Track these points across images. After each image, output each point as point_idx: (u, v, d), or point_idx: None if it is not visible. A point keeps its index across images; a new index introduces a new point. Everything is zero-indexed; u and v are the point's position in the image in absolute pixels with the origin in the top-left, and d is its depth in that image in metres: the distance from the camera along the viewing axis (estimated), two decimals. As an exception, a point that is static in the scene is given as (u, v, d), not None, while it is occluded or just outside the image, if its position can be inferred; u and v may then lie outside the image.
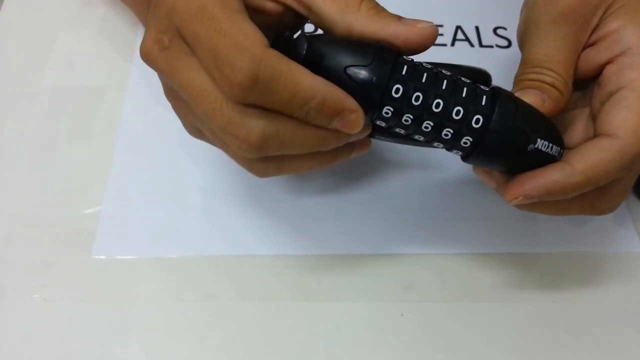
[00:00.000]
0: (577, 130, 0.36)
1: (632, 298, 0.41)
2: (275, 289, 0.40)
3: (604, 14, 0.34)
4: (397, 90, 0.29)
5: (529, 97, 0.32)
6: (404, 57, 0.30)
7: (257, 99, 0.28)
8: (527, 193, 0.32)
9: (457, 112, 0.30)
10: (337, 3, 0.30)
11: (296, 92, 0.28)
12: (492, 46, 0.53)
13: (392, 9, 0.57)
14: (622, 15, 0.33)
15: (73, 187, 0.44)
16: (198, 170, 0.45)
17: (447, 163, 0.46)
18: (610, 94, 0.33)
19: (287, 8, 0.32)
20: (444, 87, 0.30)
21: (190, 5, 0.28)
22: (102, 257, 0.41)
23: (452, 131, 0.30)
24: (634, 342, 0.40)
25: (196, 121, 0.32)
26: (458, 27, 0.54)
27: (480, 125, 0.30)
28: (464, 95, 0.30)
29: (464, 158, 0.32)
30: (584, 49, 0.34)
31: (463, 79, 0.31)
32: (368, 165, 0.46)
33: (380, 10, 0.30)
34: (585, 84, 0.36)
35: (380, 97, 0.29)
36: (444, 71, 0.31)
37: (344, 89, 0.29)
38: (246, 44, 0.27)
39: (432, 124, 0.30)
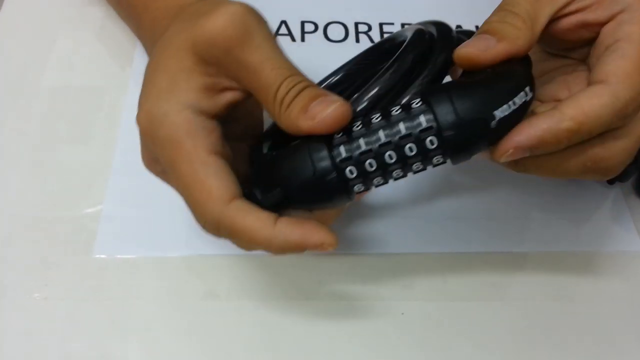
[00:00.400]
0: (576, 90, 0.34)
1: (633, 297, 0.41)
2: (276, 289, 0.40)
3: None
4: (351, 172, 0.30)
5: (468, 49, 0.31)
6: (334, 136, 0.30)
7: (224, 237, 0.31)
8: (516, 144, 0.30)
9: (411, 149, 0.29)
10: (268, 103, 0.31)
11: (254, 244, 0.30)
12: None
13: (392, 9, 0.58)
14: None
15: (73, 187, 0.44)
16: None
17: (449, 162, 0.46)
18: (607, 47, 0.32)
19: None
20: (382, 140, 0.29)
21: (165, 156, 0.31)
22: (102, 256, 0.41)
23: (419, 162, 0.30)
24: (634, 341, 0.40)
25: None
26: (458, 27, 0.54)
27: (436, 144, 0.29)
28: (403, 131, 0.29)
29: (452, 163, 0.31)
30: (577, 11, 0.33)
31: (392, 109, 0.30)
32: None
33: (294, 100, 0.30)
34: (587, 48, 0.35)
35: (343, 183, 0.30)
36: (373, 118, 0.30)
37: (317, 196, 0.30)
38: (208, 204, 0.30)
39: (399, 170, 0.30)
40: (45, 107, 0.48)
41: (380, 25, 0.55)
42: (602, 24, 0.33)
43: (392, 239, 0.43)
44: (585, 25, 0.34)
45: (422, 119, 0.29)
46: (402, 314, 0.40)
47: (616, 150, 0.32)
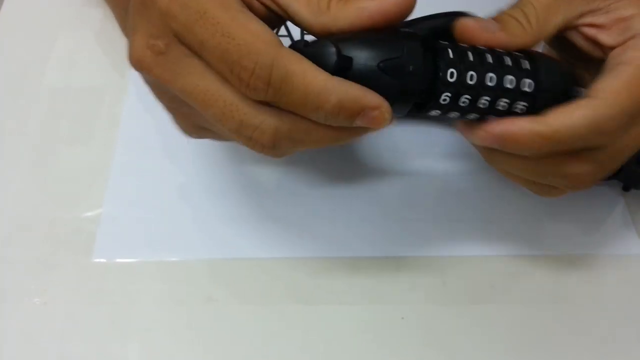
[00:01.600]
0: None
1: (633, 300, 0.41)
2: (275, 292, 0.40)
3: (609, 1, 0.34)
4: (452, 75, 0.29)
5: (473, 22, 0.31)
6: (437, 40, 0.30)
7: (272, 99, 0.27)
8: (493, 132, 0.31)
9: (511, 82, 0.30)
10: (310, 6, 0.29)
11: (309, 95, 0.27)
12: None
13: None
14: (634, 4, 0.33)
15: (73, 189, 0.44)
16: (199, 174, 0.44)
17: (448, 165, 0.46)
18: (608, 69, 0.33)
19: (269, 9, 0.31)
20: (490, 60, 0.30)
21: (188, 10, 0.27)
22: (102, 260, 0.41)
23: (508, 101, 0.30)
24: (635, 344, 0.40)
25: (202, 122, 0.32)
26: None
27: (533, 89, 0.30)
28: (509, 64, 0.30)
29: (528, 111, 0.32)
30: (585, 26, 0.34)
31: (497, 49, 0.31)
32: (368, 168, 0.46)
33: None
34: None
35: (433, 85, 0.29)
36: (477, 46, 0.31)
37: (385, 87, 0.28)
38: (257, 46, 0.27)
39: (488, 99, 0.30)
40: (45, 107, 0.48)
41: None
42: (612, 47, 0.33)
43: (392, 242, 0.43)
44: (596, 44, 0.34)
45: (526, 63, 0.31)
46: (402, 318, 0.40)
47: (588, 166, 0.33)
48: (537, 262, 0.42)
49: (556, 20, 0.33)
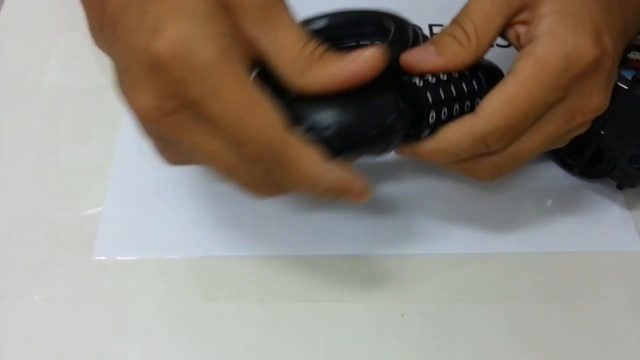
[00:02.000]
0: None
1: (633, 298, 0.41)
2: (276, 290, 0.40)
3: None
4: (432, 117, 0.33)
5: (410, 56, 0.34)
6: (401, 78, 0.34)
7: (271, 174, 0.30)
8: (406, 152, 0.36)
9: (468, 106, 0.35)
10: (291, 65, 0.30)
11: (305, 179, 0.30)
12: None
13: (393, 8, 0.58)
14: (551, 2, 0.34)
15: (74, 188, 0.44)
16: (198, 172, 0.45)
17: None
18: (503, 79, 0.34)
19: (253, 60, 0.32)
20: (453, 91, 0.34)
21: (203, 85, 0.28)
22: (102, 258, 0.41)
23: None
24: (634, 342, 0.40)
25: (191, 161, 0.33)
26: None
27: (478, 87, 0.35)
28: (468, 89, 0.35)
29: None
30: (518, 23, 0.35)
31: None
32: (368, 166, 0.46)
33: (323, 60, 0.30)
34: None
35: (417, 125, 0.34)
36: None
37: (372, 149, 0.33)
38: (268, 132, 0.28)
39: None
40: (45, 107, 0.48)
41: (380, 25, 0.54)
42: (528, 43, 0.34)
43: (392, 240, 0.43)
44: (518, 41, 0.36)
45: (480, 80, 0.36)
46: (402, 315, 0.40)
47: (483, 167, 0.36)
48: (537, 260, 0.43)
49: (495, 24, 0.35)
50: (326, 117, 0.31)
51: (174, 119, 0.29)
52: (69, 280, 0.40)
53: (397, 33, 0.37)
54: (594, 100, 0.35)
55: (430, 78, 0.34)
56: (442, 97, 0.33)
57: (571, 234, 0.44)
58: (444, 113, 0.34)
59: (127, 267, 0.40)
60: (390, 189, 0.45)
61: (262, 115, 0.28)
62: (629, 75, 0.42)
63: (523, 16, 0.35)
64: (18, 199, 0.43)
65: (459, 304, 0.40)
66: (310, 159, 0.29)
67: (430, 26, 0.55)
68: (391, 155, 0.45)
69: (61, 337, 0.38)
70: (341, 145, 0.31)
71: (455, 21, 0.35)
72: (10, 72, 0.50)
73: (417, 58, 0.34)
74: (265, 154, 0.28)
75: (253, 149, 0.28)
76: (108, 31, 0.31)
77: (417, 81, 0.33)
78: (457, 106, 0.34)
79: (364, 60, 0.30)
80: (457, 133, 0.34)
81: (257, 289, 0.40)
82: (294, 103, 0.31)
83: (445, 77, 0.34)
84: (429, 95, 0.33)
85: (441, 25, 0.55)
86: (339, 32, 0.41)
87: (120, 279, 0.40)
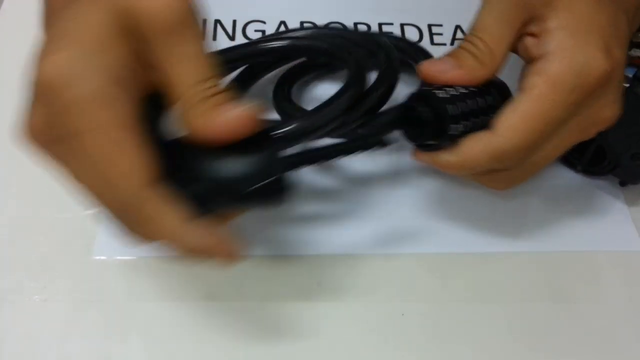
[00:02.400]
0: None
1: (633, 297, 0.41)
2: (275, 290, 0.40)
3: (547, 6, 0.34)
4: (457, 129, 0.35)
5: (430, 67, 0.35)
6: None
7: (128, 222, 0.29)
8: (424, 160, 0.37)
9: (483, 121, 0.36)
10: (180, 101, 0.29)
11: (163, 237, 0.28)
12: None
13: (391, 9, 0.58)
14: (560, 17, 0.34)
15: (73, 188, 0.43)
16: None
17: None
18: (515, 96, 0.35)
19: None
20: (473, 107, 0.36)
21: (80, 119, 0.26)
22: (102, 257, 0.41)
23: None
24: (634, 342, 0.40)
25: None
26: (457, 27, 0.55)
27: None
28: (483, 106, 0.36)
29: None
30: (527, 35, 0.35)
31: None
32: (367, 165, 0.46)
33: (209, 105, 0.28)
34: None
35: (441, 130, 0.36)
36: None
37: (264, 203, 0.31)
38: (129, 178, 0.27)
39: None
40: (44, 108, 0.48)
41: (380, 25, 0.55)
42: (535, 57, 0.35)
43: (392, 239, 0.43)
44: (525, 52, 0.36)
45: (492, 97, 0.36)
46: (402, 314, 0.40)
47: (499, 179, 0.38)
48: (537, 259, 0.43)
49: (507, 40, 0.35)
50: (198, 169, 0.29)
51: (58, 148, 0.28)
52: (68, 280, 0.40)
53: (354, 76, 0.39)
54: (606, 111, 0.35)
55: (449, 89, 0.35)
56: (461, 110, 0.34)
57: (571, 233, 0.44)
58: (464, 125, 0.35)
59: (127, 266, 0.40)
60: (390, 189, 0.45)
61: (128, 164, 0.27)
62: (630, 72, 0.42)
63: (531, 28, 0.35)
64: (19, 197, 0.43)
65: (459, 304, 0.40)
66: (169, 217, 0.28)
67: (430, 26, 0.55)
68: (392, 156, 0.46)
69: (61, 337, 0.38)
70: (213, 202, 0.30)
71: (469, 37, 0.35)
72: (10, 72, 0.50)
73: (437, 69, 0.35)
74: (122, 206, 0.28)
75: (111, 198, 0.28)
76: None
77: (438, 92, 0.35)
78: (475, 119, 0.35)
79: (235, 117, 0.28)
80: (474, 149, 0.34)
81: (256, 288, 0.40)
82: (176, 147, 0.30)
83: (463, 91, 0.35)
84: (448, 107, 0.34)
85: (441, 25, 0.55)
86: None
87: (120, 279, 0.40)
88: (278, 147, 0.31)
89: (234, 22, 0.54)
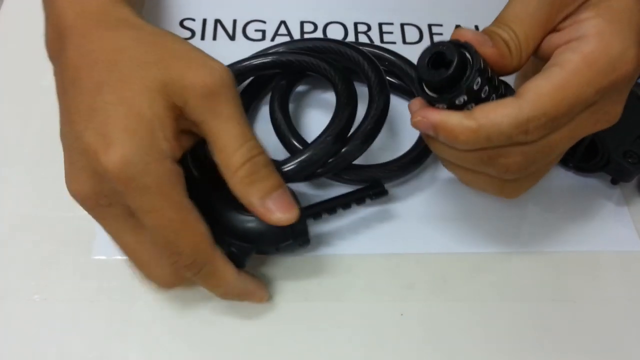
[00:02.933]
0: None
1: (633, 297, 0.41)
2: (276, 289, 0.40)
3: (581, 5, 0.34)
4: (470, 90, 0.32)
5: (477, 35, 0.33)
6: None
7: (192, 276, 0.35)
8: (430, 119, 0.33)
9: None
10: (223, 160, 0.34)
11: (220, 287, 0.36)
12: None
13: (391, 9, 0.57)
14: (594, 9, 0.33)
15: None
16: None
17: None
18: (545, 69, 0.33)
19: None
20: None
21: (144, 202, 0.32)
22: (102, 257, 0.41)
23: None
24: (635, 342, 0.40)
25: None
26: (457, 27, 0.54)
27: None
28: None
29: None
30: (555, 31, 0.34)
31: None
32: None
33: (253, 181, 0.34)
34: None
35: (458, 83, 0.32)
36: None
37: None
38: (200, 245, 0.33)
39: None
40: (45, 106, 0.48)
41: (380, 25, 0.55)
42: (558, 46, 0.34)
43: (392, 239, 0.43)
44: (548, 45, 0.34)
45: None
46: (402, 314, 0.40)
47: (517, 161, 0.34)
48: (537, 259, 0.43)
49: (538, 38, 0.34)
50: (246, 235, 0.37)
51: (108, 212, 0.34)
52: (68, 280, 0.40)
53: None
54: (617, 108, 0.35)
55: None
56: (481, 78, 0.32)
57: (571, 233, 0.44)
58: (484, 87, 0.32)
59: (126, 266, 0.40)
60: (390, 189, 0.45)
61: (195, 234, 0.33)
62: None
63: (561, 25, 0.34)
64: (18, 196, 0.43)
65: (458, 303, 0.40)
66: (229, 271, 0.35)
67: (430, 26, 0.55)
68: (389, 155, 0.46)
69: (60, 336, 0.38)
70: (251, 255, 0.38)
71: (500, 25, 0.34)
72: (10, 72, 0.50)
73: (475, 38, 0.33)
74: (194, 264, 0.34)
75: (185, 260, 0.33)
76: (63, 79, 0.36)
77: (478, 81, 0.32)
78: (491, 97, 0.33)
79: (283, 211, 0.34)
80: (496, 112, 0.31)
81: (256, 288, 0.40)
82: (220, 209, 0.37)
83: (489, 76, 0.33)
84: (474, 58, 0.32)
85: (441, 25, 0.55)
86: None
87: (119, 278, 0.40)
88: (307, 213, 0.39)
89: (234, 22, 0.54)
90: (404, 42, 0.54)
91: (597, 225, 0.44)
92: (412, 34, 0.54)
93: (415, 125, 0.34)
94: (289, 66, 0.44)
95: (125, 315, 0.39)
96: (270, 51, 0.47)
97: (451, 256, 0.42)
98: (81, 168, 0.33)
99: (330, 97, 0.46)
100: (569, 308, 0.41)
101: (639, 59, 0.33)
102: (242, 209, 0.35)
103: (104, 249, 0.41)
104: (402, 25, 0.55)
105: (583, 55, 0.32)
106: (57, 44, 0.36)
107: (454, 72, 0.31)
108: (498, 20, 0.34)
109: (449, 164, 0.37)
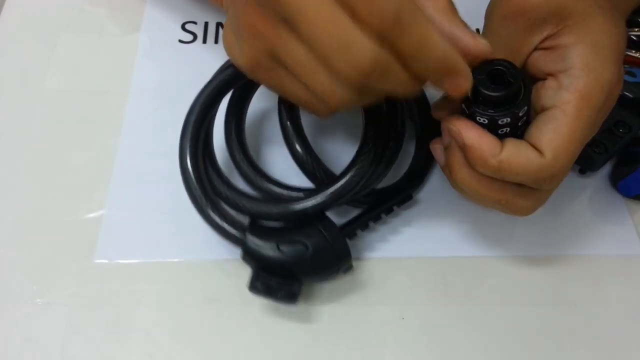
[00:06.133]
0: None
1: (633, 300, 0.41)
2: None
3: (559, 25, 0.34)
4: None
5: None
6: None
7: (388, 35, 0.28)
8: (453, 123, 0.34)
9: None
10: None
11: (424, 40, 0.29)
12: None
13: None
14: (575, 33, 0.34)
15: (75, 191, 0.44)
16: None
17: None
18: (543, 109, 0.34)
19: None
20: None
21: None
22: (104, 261, 0.41)
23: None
24: (635, 345, 0.40)
25: (282, 46, 0.30)
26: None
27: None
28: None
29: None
30: (537, 49, 0.35)
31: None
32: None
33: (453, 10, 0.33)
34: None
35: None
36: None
37: None
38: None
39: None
40: (47, 111, 0.48)
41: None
42: (547, 74, 0.35)
43: (392, 243, 0.43)
44: (535, 65, 0.36)
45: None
46: (402, 318, 0.40)
47: (526, 203, 0.36)
48: (538, 263, 0.43)
49: (528, 46, 0.35)
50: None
51: (273, 73, 0.31)
52: (70, 284, 0.40)
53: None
54: (600, 126, 0.36)
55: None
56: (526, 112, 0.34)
57: (572, 237, 0.44)
58: (522, 120, 0.34)
59: (128, 270, 0.40)
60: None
61: None
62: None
63: (543, 44, 0.35)
64: (20, 202, 0.43)
65: (459, 307, 0.40)
66: (431, 24, 0.29)
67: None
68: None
69: (62, 340, 0.38)
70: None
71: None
72: (12, 75, 0.50)
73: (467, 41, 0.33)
74: (395, 9, 0.27)
75: (383, 2, 0.27)
76: None
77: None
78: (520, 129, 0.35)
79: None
80: (519, 159, 0.33)
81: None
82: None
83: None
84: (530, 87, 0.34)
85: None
86: None
87: (121, 282, 0.40)
88: (346, 231, 0.40)
89: (236, 24, 0.54)
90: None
91: (598, 229, 0.44)
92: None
93: (439, 118, 0.35)
94: None
95: (127, 319, 0.39)
96: None
97: (452, 260, 0.42)
98: (241, 43, 0.31)
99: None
100: (570, 312, 0.41)
101: (622, 77, 0.34)
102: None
103: (105, 253, 0.41)
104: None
105: (579, 93, 0.33)
106: None
107: (511, 92, 0.32)
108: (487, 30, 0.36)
109: (461, 189, 0.38)
